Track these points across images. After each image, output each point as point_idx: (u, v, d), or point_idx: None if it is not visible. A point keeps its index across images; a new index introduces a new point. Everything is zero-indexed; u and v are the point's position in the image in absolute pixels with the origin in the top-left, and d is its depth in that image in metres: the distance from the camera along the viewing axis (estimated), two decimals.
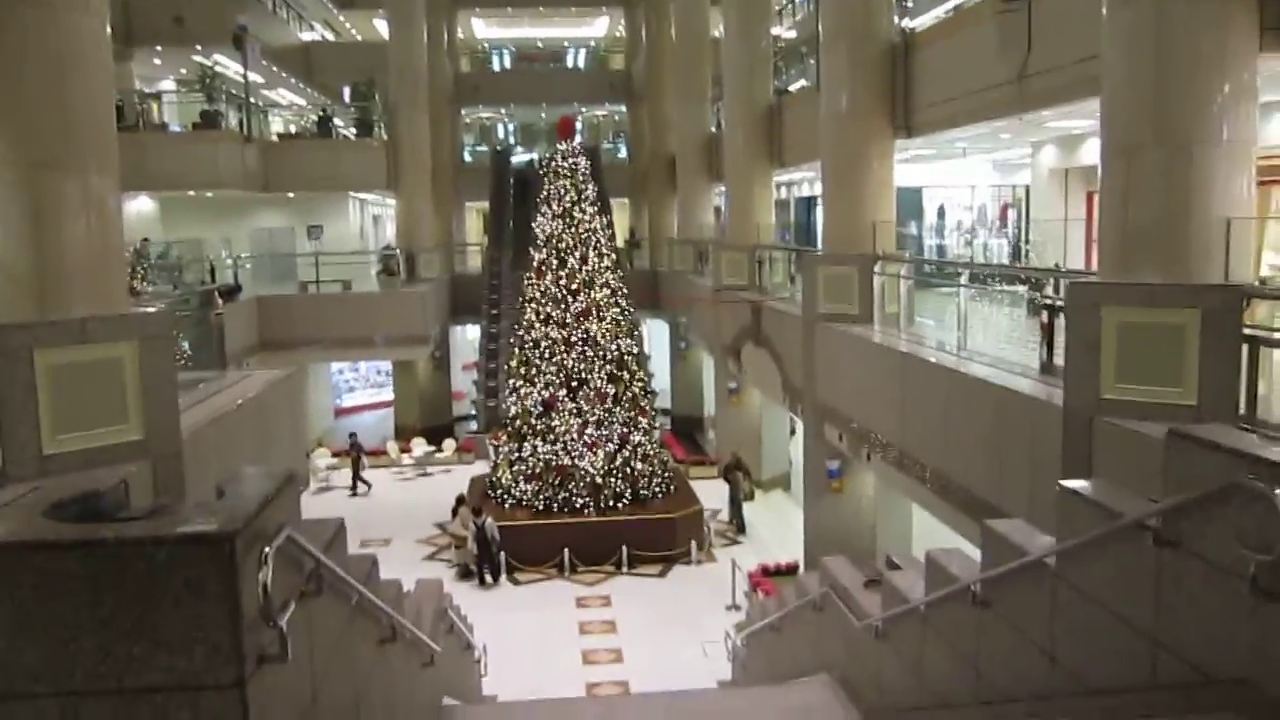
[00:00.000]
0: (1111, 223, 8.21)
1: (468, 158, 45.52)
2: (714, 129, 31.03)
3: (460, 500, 19.45)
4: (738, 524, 20.32)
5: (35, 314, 6.98)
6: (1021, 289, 17.95)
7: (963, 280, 12.60)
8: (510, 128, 52.99)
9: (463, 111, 45.06)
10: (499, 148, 44.60)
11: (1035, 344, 12.70)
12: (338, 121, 31.96)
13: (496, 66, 50.84)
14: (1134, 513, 4.27)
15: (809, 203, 34.33)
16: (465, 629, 10.74)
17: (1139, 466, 7.44)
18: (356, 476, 23.68)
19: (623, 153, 45.38)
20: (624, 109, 45.45)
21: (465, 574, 18.35)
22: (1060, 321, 10.07)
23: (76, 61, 7.07)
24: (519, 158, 41.01)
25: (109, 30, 7.42)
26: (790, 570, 17.04)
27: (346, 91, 37.01)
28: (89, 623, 2.92)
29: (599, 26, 50.16)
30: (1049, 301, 10.42)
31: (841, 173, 16.05)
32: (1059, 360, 10.14)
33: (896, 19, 15.81)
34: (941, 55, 14.45)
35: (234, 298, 23.76)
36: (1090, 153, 16.44)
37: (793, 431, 25.68)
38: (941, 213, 25.23)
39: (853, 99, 15.70)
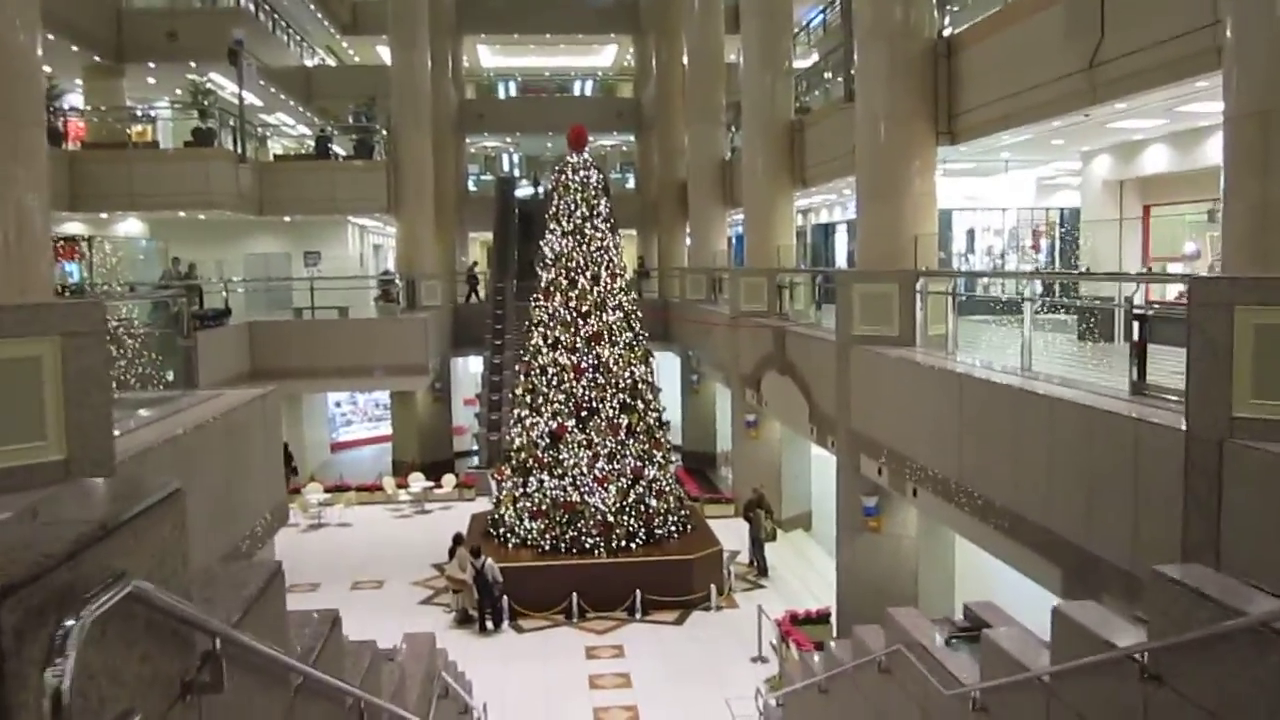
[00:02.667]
0: (1240, 203, 6.84)
1: (472, 187, 44.42)
2: (728, 155, 29.79)
3: (458, 540, 17.96)
4: (759, 566, 18.79)
5: None
6: (1067, 317, 16.79)
7: (1025, 293, 11.14)
8: (515, 159, 52.11)
9: (467, 140, 43.97)
10: (503, 177, 43.62)
11: (1104, 365, 11.39)
12: (337, 149, 30.77)
13: (502, 95, 49.90)
14: None
15: (826, 230, 33.17)
16: (462, 690, 9.26)
17: None
18: None
19: (630, 183, 44.29)
20: (632, 139, 44.43)
21: (464, 619, 16.84)
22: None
23: None
24: (523, 191, 40.12)
25: None
26: (822, 618, 15.51)
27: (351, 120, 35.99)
28: None
29: (606, 56, 49.27)
30: (1140, 311, 9.07)
31: (879, 183, 14.73)
32: (1153, 379, 8.83)
33: (938, 16, 14.59)
34: (993, 49, 13.17)
35: (223, 322, 22.43)
36: (1152, 160, 15.12)
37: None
38: (971, 237, 23.91)
39: (891, 102, 14.43)
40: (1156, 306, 10.70)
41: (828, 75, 24.19)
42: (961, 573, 15.29)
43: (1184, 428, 6.82)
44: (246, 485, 9.30)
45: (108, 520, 1.85)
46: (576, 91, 50.28)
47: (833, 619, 15.51)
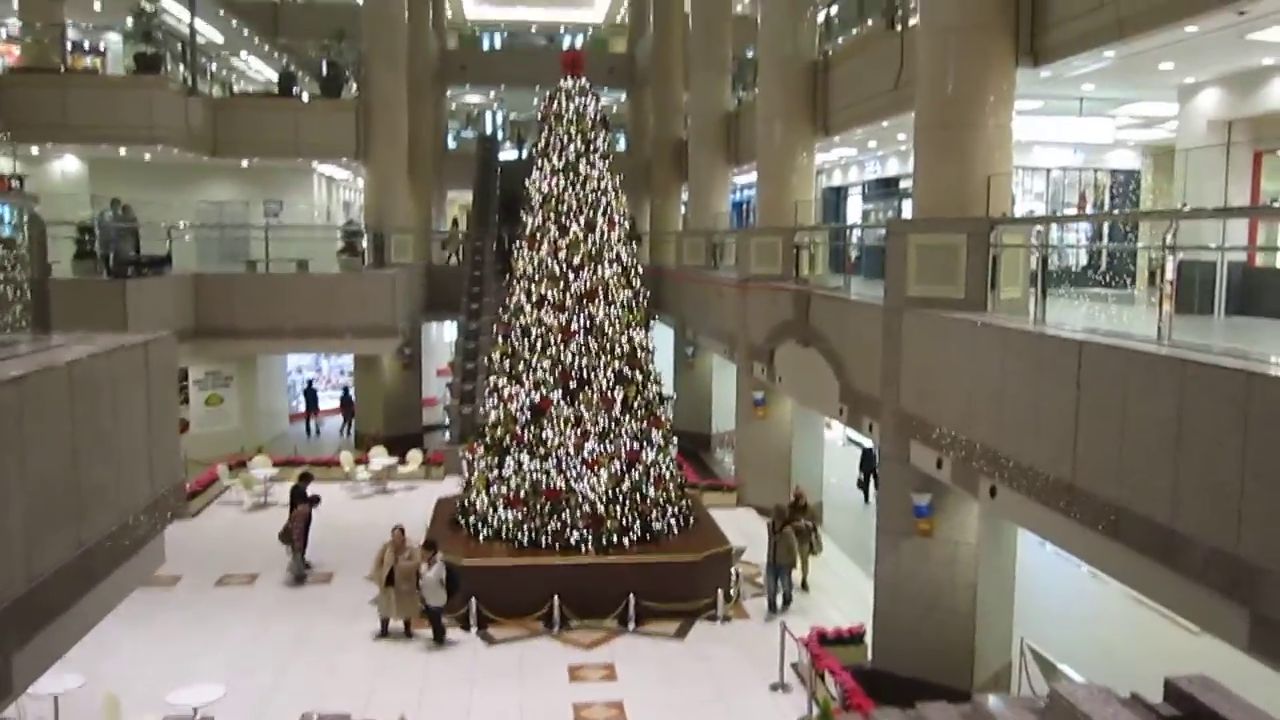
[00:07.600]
0: None
1: (452, 144, 41.54)
2: (734, 107, 27.02)
3: (397, 532, 14.74)
4: (786, 594, 15.44)
5: None
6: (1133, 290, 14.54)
7: (1169, 236, 8.48)
8: (499, 118, 49.32)
9: (449, 94, 41.05)
10: (485, 135, 40.90)
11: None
12: (304, 95, 27.78)
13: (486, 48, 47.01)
14: None
15: (839, 193, 30.52)
16: None
17: None
18: (300, 543, 16.44)
19: (621, 144, 41.45)
20: (623, 97, 41.60)
21: (384, 632, 14.08)
22: None
23: None
24: (508, 154, 37.70)
25: None
26: (855, 637, 12.92)
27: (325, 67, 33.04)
28: None
29: (598, 9, 46.44)
30: None
31: (943, 113, 12.12)
32: None
33: None
34: None
35: (161, 271, 19.66)
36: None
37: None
38: (1012, 201, 21.28)
39: (961, 12, 11.83)
40: None
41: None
42: (1028, 588, 12.80)
43: None
44: (109, 465, 6.59)
45: None
46: (566, 46, 47.30)
47: (867, 637, 12.96)
